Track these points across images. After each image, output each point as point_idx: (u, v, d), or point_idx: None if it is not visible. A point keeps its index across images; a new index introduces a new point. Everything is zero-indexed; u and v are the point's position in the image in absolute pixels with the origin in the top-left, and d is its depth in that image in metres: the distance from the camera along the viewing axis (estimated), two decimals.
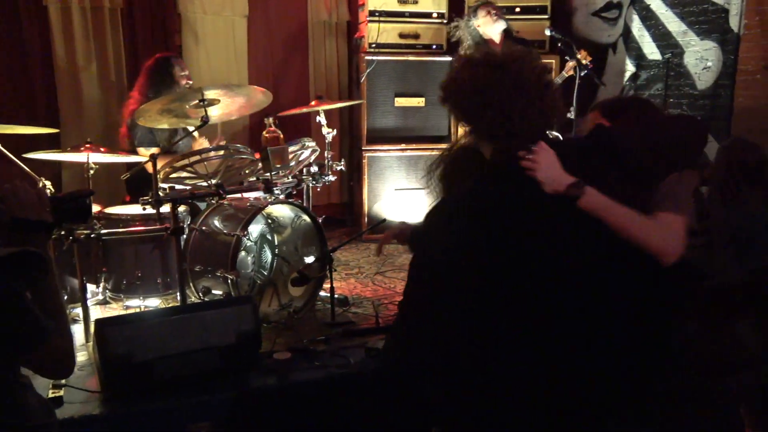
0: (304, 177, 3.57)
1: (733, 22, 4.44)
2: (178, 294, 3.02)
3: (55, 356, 1.51)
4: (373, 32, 5.06)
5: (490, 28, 4.42)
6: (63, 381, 2.42)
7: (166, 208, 2.91)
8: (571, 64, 4.45)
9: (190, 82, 4.00)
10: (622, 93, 5.26)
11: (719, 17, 4.54)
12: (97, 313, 3.30)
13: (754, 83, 4.30)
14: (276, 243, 3.47)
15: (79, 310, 3.03)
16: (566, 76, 4.45)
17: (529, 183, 1.57)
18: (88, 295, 3.09)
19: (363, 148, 5.10)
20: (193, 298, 3.26)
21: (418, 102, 5.11)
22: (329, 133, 3.77)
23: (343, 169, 3.78)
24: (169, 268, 3.28)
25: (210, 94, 2.99)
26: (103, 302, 3.36)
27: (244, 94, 3.28)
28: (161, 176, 2.99)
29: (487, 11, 4.41)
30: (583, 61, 4.40)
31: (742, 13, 4.37)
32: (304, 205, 3.58)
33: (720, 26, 4.53)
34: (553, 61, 5.04)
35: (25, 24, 4.58)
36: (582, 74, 4.47)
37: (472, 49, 4.50)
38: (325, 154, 3.68)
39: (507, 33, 4.54)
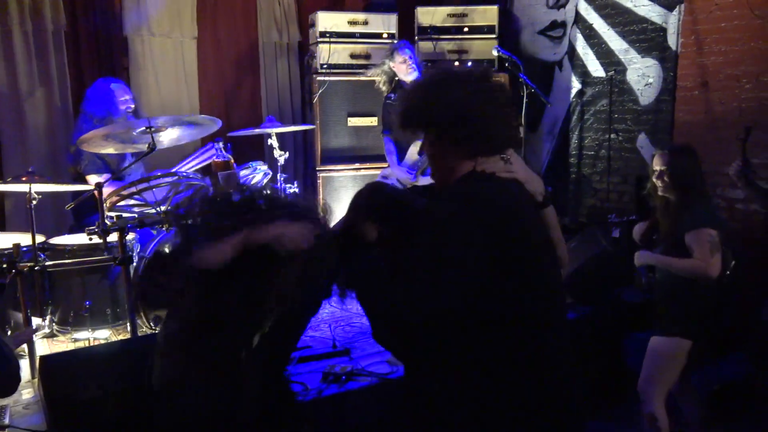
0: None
1: (671, 41, 4.62)
2: (128, 325, 2.95)
3: None
4: (325, 53, 5.09)
5: (403, 75, 4.51)
6: (6, 422, 2.33)
7: (114, 237, 2.85)
8: None
9: (131, 106, 3.87)
10: (569, 109, 5.40)
11: (658, 36, 4.72)
12: (44, 347, 3.19)
13: (693, 99, 4.48)
14: None
15: (24, 345, 2.92)
16: None
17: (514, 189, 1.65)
18: (34, 328, 2.99)
19: (317, 169, 5.10)
20: (144, 329, 3.19)
21: (371, 121, 5.14)
22: (281, 156, 3.76)
23: (296, 191, 3.77)
24: (118, 299, 3.20)
25: (156, 122, 2.95)
26: (50, 335, 3.26)
27: (192, 121, 3.24)
28: (108, 204, 2.93)
29: (404, 60, 4.44)
30: None
31: (678, 32, 4.56)
32: None
33: (659, 44, 4.71)
34: (502, 78, 5.14)
35: None
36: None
37: (384, 85, 4.62)
38: (278, 177, 3.67)
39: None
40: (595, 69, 5.19)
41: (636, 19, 4.85)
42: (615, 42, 5.02)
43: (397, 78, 4.57)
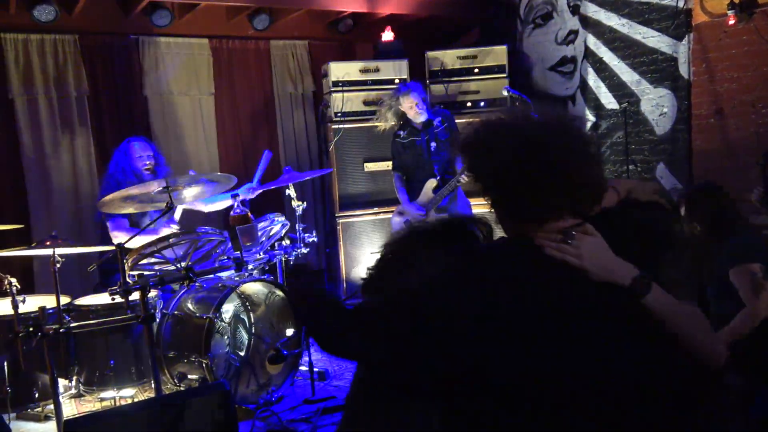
0: (276, 252, 3.58)
1: (683, 70, 4.62)
2: (153, 382, 2.97)
3: None
4: (338, 102, 5.19)
5: (412, 116, 4.62)
6: None
7: (136, 296, 2.89)
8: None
9: (147, 163, 3.94)
10: None
11: (669, 65, 4.72)
12: (71, 407, 3.23)
13: (709, 127, 4.45)
14: (251, 321, 3.44)
15: (51, 407, 2.95)
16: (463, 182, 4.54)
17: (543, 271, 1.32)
18: (60, 390, 3.03)
19: (337, 215, 5.14)
20: (169, 385, 3.21)
21: (387, 165, 5.18)
22: (299, 206, 3.80)
23: (315, 240, 3.80)
24: (142, 357, 3.23)
25: (175, 183, 3.02)
26: (77, 396, 3.29)
27: (211, 179, 3.31)
28: (129, 264, 2.98)
29: (412, 106, 4.53)
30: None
31: (689, 61, 4.56)
32: (279, 279, 3.58)
33: (671, 74, 4.71)
34: None
35: None
36: None
37: (391, 120, 4.76)
38: (297, 227, 3.70)
39: None
40: (608, 101, 5.20)
41: (646, 51, 4.88)
42: (626, 74, 5.03)
43: (406, 116, 4.68)
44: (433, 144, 4.60)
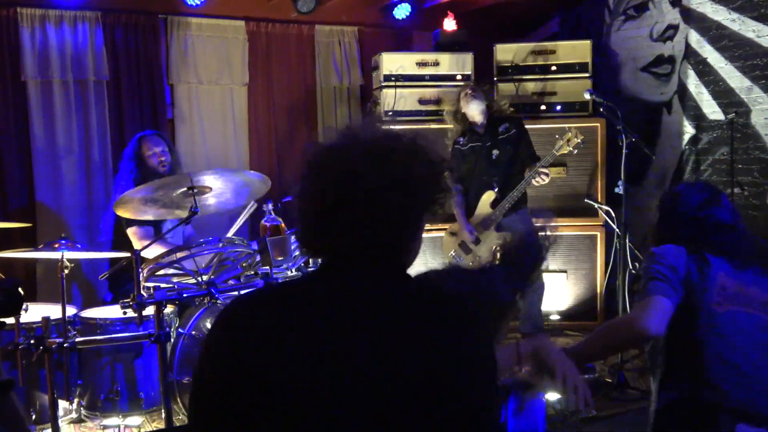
0: (309, 269, 3.64)
1: None
2: (163, 412, 3.06)
3: None
4: (390, 98, 5.26)
5: (467, 108, 4.72)
6: None
7: (150, 311, 2.99)
8: (561, 142, 4.59)
9: (163, 159, 4.09)
10: (681, 158, 5.33)
11: None
12: None
13: None
14: None
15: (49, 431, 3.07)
16: (557, 155, 4.61)
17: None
18: (60, 413, 3.14)
19: None
20: (181, 416, 3.30)
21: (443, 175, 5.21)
22: None
23: None
24: (153, 381, 3.33)
25: (200, 181, 3.12)
26: (78, 421, 3.41)
27: (241, 180, 3.40)
28: (145, 274, 3.09)
29: (464, 92, 4.72)
30: (573, 140, 4.56)
31: None
32: None
33: None
34: (598, 125, 5.16)
35: None
36: (575, 152, 4.65)
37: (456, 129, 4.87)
38: None
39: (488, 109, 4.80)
40: (712, 111, 5.12)
41: (760, 52, 4.80)
42: (735, 79, 4.96)
43: (468, 122, 4.78)
44: (495, 152, 4.67)
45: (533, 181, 4.53)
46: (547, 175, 4.55)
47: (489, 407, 1.33)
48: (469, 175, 4.74)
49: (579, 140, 4.58)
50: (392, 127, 1.44)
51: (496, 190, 4.63)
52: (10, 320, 3.10)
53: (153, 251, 3.41)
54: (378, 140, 1.37)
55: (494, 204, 4.63)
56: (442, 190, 1.40)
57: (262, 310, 1.31)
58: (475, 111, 4.71)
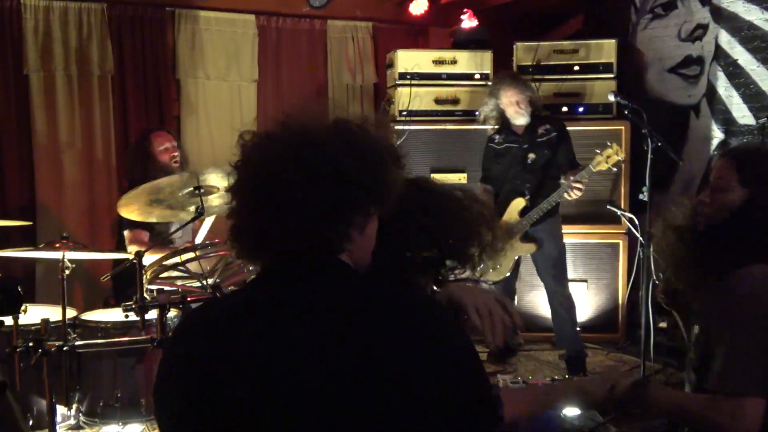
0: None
1: None
2: None
3: None
4: (405, 97, 5.24)
5: (512, 117, 4.55)
6: None
7: (153, 315, 2.98)
8: (600, 158, 4.41)
9: (175, 155, 4.09)
10: (709, 165, 5.27)
11: None
12: None
13: None
14: None
15: None
16: (593, 170, 4.42)
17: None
18: (58, 419, 3.14)
19: None
20: None
21: (459, 178, 5.19)
22: None
23: None
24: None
25: (207, 179, 3.11)
26: (76, 427, 3.39)
27: None
28: (148, 276, 3.08)
29: (512, 102, 4.46)
30: (613, 158, 4.40)
31: None
32: None
33: None
34: (623, 128, 5.11)
35: (0, 96, 4.86)
36: (614, 170, 4.54)
37: (493, 120, 4.69)
38: None
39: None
40: (742, 115, 5.07)
41: None
42: (767, 82, 4.90)
43: (505, 117, 4.61)
44: (531, 155, 4.52)
45: (565, 195, 4.40)
46: (581, 189, 4.40)
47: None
48: (500, 178, 4.63)
49: (620, 158, 4.43)
50: (340, 115, 1.36)
51: (527, 198, 4.49)
52: (9, 321, 3.10)
53: (156, 254, 3.40)
54: (305, 129, 1.30)
55: (523, 213, 4.50)
56: (386, 181, 1.32)
57: (205, 320, 1.32)
58: (517, 123, 4.55)
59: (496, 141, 4.65)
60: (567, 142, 4.60)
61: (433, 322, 1.26)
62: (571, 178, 4.39)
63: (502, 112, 4.59)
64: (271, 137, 1.33)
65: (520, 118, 4.52)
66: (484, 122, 4.79)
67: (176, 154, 4.12)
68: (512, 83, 4.50)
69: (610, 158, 4.41)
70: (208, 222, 3.91)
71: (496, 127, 4.69)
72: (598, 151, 4.46)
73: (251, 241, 1.32)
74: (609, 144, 4.46)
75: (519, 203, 4.51)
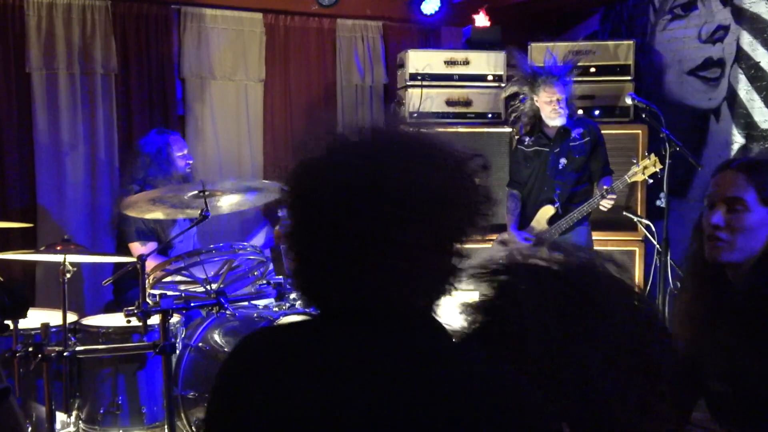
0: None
1: None
2: (166, 428, 3.07)
3: None
4: (416, 99, 5.26)
5: (546, 114, 4.40)
6: None
7: (155, 320, 3.01)
8: (637, 169, 4.37)
9: (190, 162, 4.20)
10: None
11: None
12: None
13: None
14: None
15: None
16: (628, 182, 4.40)
17: None
18: (57, 426, 3.17)
19: None
20: None
21: None
22: None
23: None
24: (156, 395, 3.34)
25: (214, 187, 3.14)
26: None
27: (255, 187, 3.43)
28: (151, 280, 3.11)
29: (552, 100, 4.30)
30: (650, 169, 4.35)
31: None
32: None
33: None
34: (640, 132, 5.12)
35: (1, 95, 4.90)
36: (649, 183, 4.49)
37: (525, 117, 4.55)
38: None
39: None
40: (764, 119, 5.06)
41: None
42: None
43: (539, 117, 4.48)
44: (562, 160, 4.42)
45: (600, 206, 4.34)
46: (614, 200, 4.36)
47: None
48: (529, 182, 4.55)
49: (657, 169, 4.35)
50: (407, 128, 1.19)
51: (557, 205, 4.41)
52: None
53: (158, 260, 3.45)
54: (378, 152, 1.12)
55: (552, 221, 4.43)
56: (474, 214, 1.15)
57: (262, 354, 1.22)
58: (552, 123, 4.41)
59: (526, 143, 4.55)
60: (602, 147, 4.51)
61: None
62: (605, 187, 4.32)
63: (537, 111, 4.46)
64: (335, 165, 1.15)
65: (556, 119, 4.38)
66: (513, 122, 4.70)
67: (191, 161, 4.30)
68: (556, 79, 4.34)
69: (647, 169, 4.35)
70: None
71: (529, 126, 4.55)
72: (634, 162, 4.42)
73: (316, 285, 1.18)
74: (647, 155, 4.41)
75: (548, 211, 4.44)
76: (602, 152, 4.54)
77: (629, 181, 4.40)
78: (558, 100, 4.31)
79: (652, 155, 4.40)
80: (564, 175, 4.44)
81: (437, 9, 5.87)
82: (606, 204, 4.34)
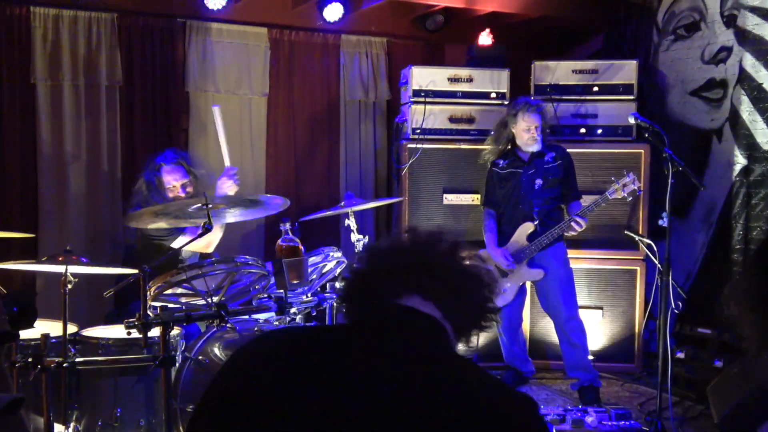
0: (326, 294, 3.64)
1: None
2: None
3: None
4: (418, 115, 5.28)
5: (524, 141, 4.63)
6: None
7: (155, 332, 3.00)
8: (617, 186, 4.52)
9: (182, 195, 4.17)
10: (731, 191, 5.27)
11: None
12: None
13: None
14: None
15: None
16: (609, 198, 4.54)
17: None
18: None
19: None
20: None
21: (473, 199, 5.22)
22: (360, 241, 3.87)
23: None
24: (155, 407, 3.32)
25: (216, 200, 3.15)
26: None
27: (257, 202, 3.44)
28: (151, 293, 3.10)
29: (530, 128, 4.57)
30: (629, 186, 4.52)
31: None
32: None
33: None
34: (642, 152, 5.13)
35: (6, 105, 4.93)
36: (629, 199, 4.65)
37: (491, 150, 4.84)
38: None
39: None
40: (766, 140, 5.07)
41: None
42: None
43: (512, 144, 4.73)
44: (538, 181, 4.64)
45: (570, 228, 4.51)
46: (581, 225, 4.50)
47: None
48: (504, 202, 4.74)
49: (636, 187, 4.55)
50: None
51: (536, 223, 4.58)
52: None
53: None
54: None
55: (531, 237, 4.58)
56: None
57: (272, 346, 1.41)
58: (527, 149, 4.65)
59: (501, 166, 4.76)
60: (572, 172, 4.74)
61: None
62: (577, 212, 4.54)
63: (512, 137, 4.70)
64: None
65: (533, 145, 4.62)
66: (492, 143, 4.87)
67: (184, 194, 4.20)
68: (534, 108, 4.61)
69: (627, 186, 4.52)
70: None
71: (503, 149, 4.79)
72: (614, 179, 4.52)
73: None
74: (626, 172, 4.56)
75: (528, 228, 4.60)
76: (572, 177, 4.75)
77: (610, 198, 4.54)
78: (536, 127, 4.57)
79: (631, 173, 4.55)
80: (541, 193, 4.63)
81: (442, 26, 5.93)
82: (576, 228, 4.49)
